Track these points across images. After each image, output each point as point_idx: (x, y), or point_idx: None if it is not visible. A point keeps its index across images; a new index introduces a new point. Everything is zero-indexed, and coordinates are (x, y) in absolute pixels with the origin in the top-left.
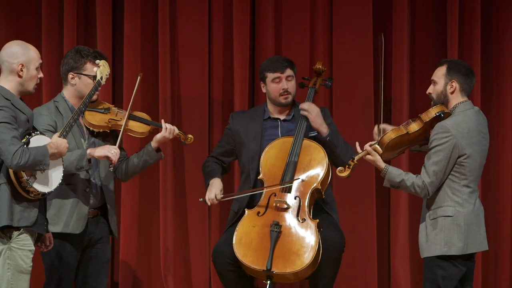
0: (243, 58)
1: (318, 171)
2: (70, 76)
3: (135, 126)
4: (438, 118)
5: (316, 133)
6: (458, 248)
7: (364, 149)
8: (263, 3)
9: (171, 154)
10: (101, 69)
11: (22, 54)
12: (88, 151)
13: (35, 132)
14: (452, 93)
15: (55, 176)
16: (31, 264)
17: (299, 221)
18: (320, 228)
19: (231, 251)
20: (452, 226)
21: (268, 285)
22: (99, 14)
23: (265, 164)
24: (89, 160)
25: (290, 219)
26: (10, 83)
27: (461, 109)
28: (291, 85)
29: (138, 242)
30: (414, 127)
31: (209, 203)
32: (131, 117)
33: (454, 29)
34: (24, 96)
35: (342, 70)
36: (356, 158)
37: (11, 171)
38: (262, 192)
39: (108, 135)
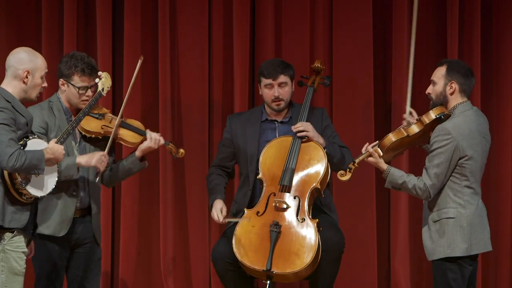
0: (243, 58)
1: (317, 170)
2: (60, 82)
3: (127, 135)
4: (438, 120)
5: None
6: (462, 249)
7: (366, 150)
8: (263, 3)
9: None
10: (103, 81)
11: (29, 61)
12: (77, 160)
13: (33, 136)
14: (451, 94)
15: (49, 181)
16: (25, 266)
17: (298, 221)
18: (319, 228)
19: (231, 251)
20: (455, 227)
21: (268, 285)
22: (99, 14)
23: (264, 163)
24: (78, 169)
25: (289, 219)
26: (13, 88)
27: (460, 110)
28: (284, 92)
29: (138, 242)
30: (415, 129)
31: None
32: (123, 125)
33: (454, 29)
34: None
35: (342, 70)
36: (357, 161)
37: (5, 172)
38: (261, 192)
39: (100, 140)
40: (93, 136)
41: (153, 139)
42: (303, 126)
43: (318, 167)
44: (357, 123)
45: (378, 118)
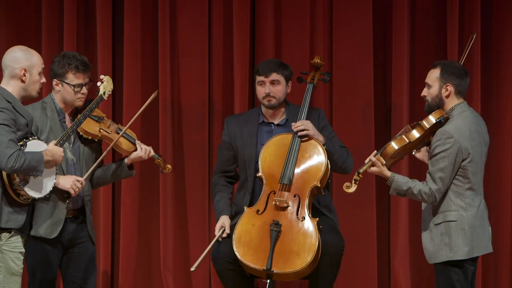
0: (243, 58)
1: (317, 169)
2: (54, 82)
3: (123, 142)
4: (438, 124)
5: None
6: (463, 252)
7: (369, 159)
8: (263, 3)
9: (171, 154)
10: (105, 85)
11: (25, 59)
12: (55, 181)
13: (33, 137)
14: (447, 96)
15: (47, 183)
16: (22, 266)
17: (298, 219)
18: (319, 226)
19: (231, 251)
20: (457, 230)
21: (268, 284)
22: (99, 14)
23: (264, 161)
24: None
25: (289, 218)
26: (12, 88)
27: (458, 112)
28: (275, 90)
29: (138, 242)
30: (416, 135)
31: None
32: (119, 132)
33: (454, 29)
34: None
35: (342, 70)
36: (361, 171)
37: (4, 172)
38: (261, 190)
39: (93, 142)
40: (90, 137)
41: (143, 149)
42: (303, 125)
43: (318, 165)
44: (357, 124)
45: (378, 119)
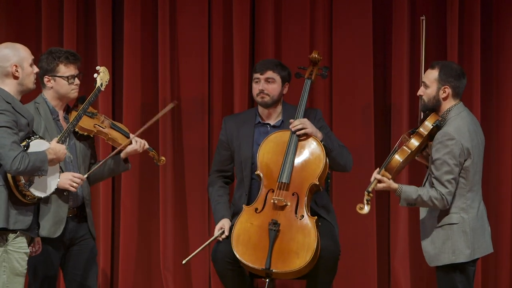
0: (243, 58)
1: (316, 166)
2: (45, 79)
3: (117, 136)
4: (435, 128)
5: None
6: (465, 255)
7: (374, 177)
8: (263, 3)
9: (171, 154)
10: (101, 76)
11: (13, 55)
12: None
13: (35, 136)
14: (445, 98)
15: (51, 182)
16: (26, 266)
17: (297, 218)
18: (318, 223)
19: (231, 251)
20: (458, 233)
21: (267, 283)
22: (99, 14)
23: (262, 159)
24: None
25: (288, 217)
26: (9, 86)
27: (456, 112)
28: (270, 88)
29: (138, 242)
30: (415, 143)
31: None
32: (113, 126)
33: (454, 29)
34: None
35: (342, 70)
36: (370, 189)
37: (9, 174)
38: (259, 189)
39: (88, 139)
40: (85, 133)
41: (138, 142)
42: (301, 124)
43: (317, 163)
44: (357, 124)
45: (378, 119)
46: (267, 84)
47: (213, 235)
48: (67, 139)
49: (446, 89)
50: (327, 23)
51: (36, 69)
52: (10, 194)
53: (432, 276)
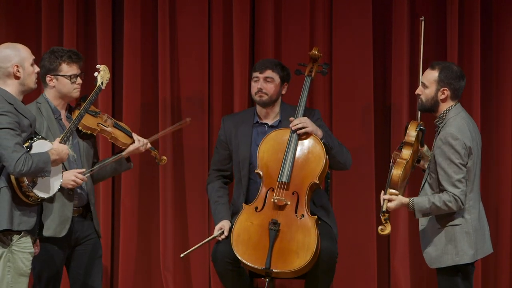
0: (243, 58)
1: (316, 165)
2: (48, 78)
3: (120, 135)
4: (421, 132)
5: None
6: (469, 256)
7: (383, 200)
8: (263, 3)
9: (171, 154)
10: (102, 74)
11: (14, 56)
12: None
13: (37, 137)
14: (443, 100)
15: (54, 182)
16: (30, 266)
17: (297, 218)
18: (318, 222)
19: (231, 251)
20: (461, 234)
21: (267, 282)
22: (99, 14)
23: (262, 157)
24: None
25: (288, 216)
26: (10, 87)
27: (454, 113)
28: (268, 87)
29: (138, 242)
30: (406, 153)
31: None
32: (116, 125)
33: (454, 29)
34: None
35: (342, 70)
36: (384, 209)
37: (12, 176)
38: (256, 187)
39: (91, 137)
40: (89, 132)
41: (141, 141)
42: (301, 122)
43: (317, 162)
44: (357, 124)
45: (378, 119)
46: (266, 83)
47: (212, 235)
48: (70, 138)
49: (445, 91)
50: (327, 23)
51: (37, 69)
52: (14, 195)
53: (432, 277)
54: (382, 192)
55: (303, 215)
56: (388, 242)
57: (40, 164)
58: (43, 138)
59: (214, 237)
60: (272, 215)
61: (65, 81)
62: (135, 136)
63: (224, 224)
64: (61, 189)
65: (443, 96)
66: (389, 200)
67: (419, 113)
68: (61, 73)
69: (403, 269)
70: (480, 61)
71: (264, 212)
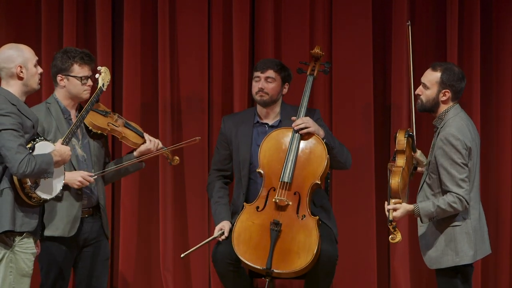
0: (242, 58)
1: (318, 166)
2: (58, 78)
3: (131, 135)
4: (411, 138)
5: None
6: (469, 256)
7: (388, 210)
8: (263, 3)
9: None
10: (103, 76)
11: (17, 56)
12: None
13: (40, 138)
14: (444, 102)
15: (57, 184)
16: (33, 267)
17: (299, 218)
18: (319, 222)
19: (231, 251)
20: (461, 235)
21: (267, 283)
22: (99, 14)
23: (264, 156)
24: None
25: (290, 216)
26: (13, 87)
27: (454, 113)
28: (269, 87)
29: (138, 242)
30: (401, 161)
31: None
32: (127, 125)
33: (454, 29)
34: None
35: (342, 70)
36: (391, 219)
37: (15, 177)
38: (256, 187)
39: (102, 137)
40: (99, 132)
41: (153, 141)
42: (304, 123)
43: (319, 162)
44: (357, 124)
45: (378, 119)
46: (267, 83)
47: (213, 235)
48: (77, 139)
49: (446, 93)
50: (327, 23)
51: (40, 70)
52: (16, 196)
53: (432, 277)
54: (386, 202)
55: (304, 216)
56: (388, 242)
57: (43, 166)
58: (45, 139)
59: (215, 238)
60: (273, 215)
61: (75, 82)
62: (146, 136)
63: (225, 225)
64: (69, 188)
65: (444, 98)
66: (394, 210)
67: (413, 113)
68: (72, 74)
69: (403, 269)
70: (480, 61)
71: (266, 212)
